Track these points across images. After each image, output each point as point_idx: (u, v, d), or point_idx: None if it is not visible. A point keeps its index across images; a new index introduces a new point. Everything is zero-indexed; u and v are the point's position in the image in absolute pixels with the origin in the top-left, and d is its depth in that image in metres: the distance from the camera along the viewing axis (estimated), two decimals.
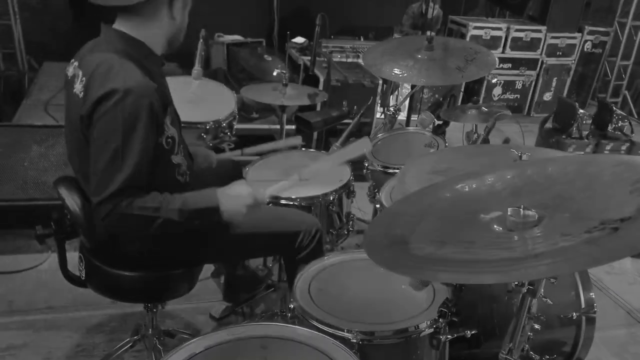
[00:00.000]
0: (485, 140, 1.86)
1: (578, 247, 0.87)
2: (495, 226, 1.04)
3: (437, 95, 5.40)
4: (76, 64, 1.64)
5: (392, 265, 0.96)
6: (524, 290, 1.20)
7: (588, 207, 0.99)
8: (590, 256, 0.84)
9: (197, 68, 2.80)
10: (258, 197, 1.74)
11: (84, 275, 1.84)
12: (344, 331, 1.44)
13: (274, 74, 2.72)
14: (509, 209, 1.02)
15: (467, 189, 1.19)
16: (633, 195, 0.95)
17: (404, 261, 0.95)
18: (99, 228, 1.63)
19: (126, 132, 1.48)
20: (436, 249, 0.97)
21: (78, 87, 1.57)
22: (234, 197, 1.70)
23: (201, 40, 2.81)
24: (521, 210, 1.01)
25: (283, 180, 1.84)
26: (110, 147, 1.48)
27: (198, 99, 2.75)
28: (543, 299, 1.51)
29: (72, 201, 1.71)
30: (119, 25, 1.61)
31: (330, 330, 1.44)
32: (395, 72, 2.30)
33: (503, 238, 1.00)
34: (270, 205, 2.13)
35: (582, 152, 4.92)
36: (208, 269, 2.64)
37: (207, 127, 2.55)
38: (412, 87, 3.09)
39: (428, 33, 2.39)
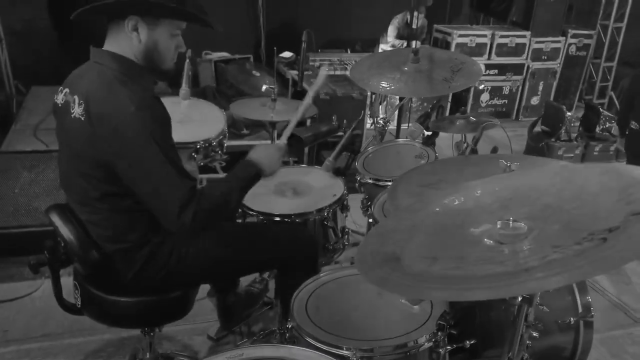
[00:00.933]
0: (474, 151, 1.88)
1: (568, 260, 0.87)
2: (485, 239, 1.05)
3: (426, 104, 5.43)
4: (67, 90, 1.65)
5: (386, 284, 0.96)
6: (519, 299, 1.20)
7: (577, 217, 1.00)
8: (581, 270, 0.84)
9: (184, 88, 2.81)
10: (280, 145, 1.90)
11: (79, 303, 1.82)
12: (342, 349, 1.43)
13: (263, 89, 2.73)
14: (499, 222, 1.03)
15: (456, 203, 1.19)
16: (620, 204, 0.96)
17: (397, 279, 0.95)
18: (188, 234, 1.64)
19: (159, 143, 1.51)
20: (428, 265, 0.98)
21: (77, 111, 1.56)
22: (264, 155, 1.81)
23: (187, 60, 2.82)
24: (510, 222, 1.02)
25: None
26: (156, 161, 1.51)
27: (187, 119, 2.75)
28: (539, 306, 1.52)
29: (65, 228, 1.70)
30: (108, 46, 1.62)
31: (329, 349, 1.43)
32: (383, 85, 2.32)
33: (494, 252, 1.01)
34: (265, 222, 2.14)
35: (572, 155, 4.96)
36: (204, 288, 2.63)
37: (198, 147, 2.55)
38: (401, 98, 3.11)
39: (413, 45, 2.42)
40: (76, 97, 1.58)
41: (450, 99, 5.92)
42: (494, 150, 1.93)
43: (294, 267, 1.91)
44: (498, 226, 1.05)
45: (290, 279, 1.86)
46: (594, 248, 0.89)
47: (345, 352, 1.42)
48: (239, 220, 2.20)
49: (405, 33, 5.48)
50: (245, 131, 4.03)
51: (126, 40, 1.60)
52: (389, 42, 5.78)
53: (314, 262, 1.99)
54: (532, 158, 1.68)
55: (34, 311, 2.67)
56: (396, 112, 2.76)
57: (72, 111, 1.58)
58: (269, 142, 2.94)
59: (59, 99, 1.67)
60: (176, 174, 1.54)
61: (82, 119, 1.55)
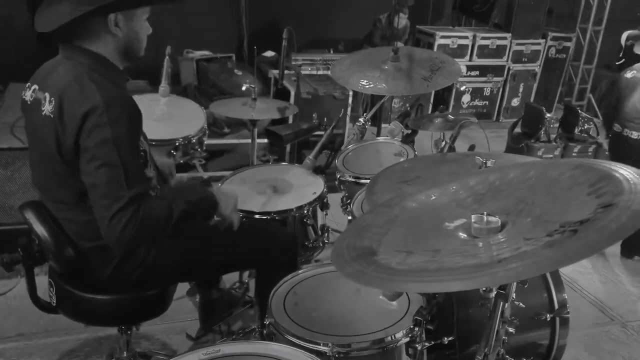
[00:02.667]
0: (451, 148, 1.90)
1: (539, 251, 0.89)
2: (460, 233, 1.06)
3: (407, 104, 5.47)
4: (36, 87, 1.62)
5: (361, 277, 0.97)
6: (493, 294, 1.21)
7: (549, 210, 1.01)
8: (552, 259, 0.86)
9: (163, 85, 2.79)
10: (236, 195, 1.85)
11: (54, 302, 1.80)
12: (320, 345, 1.43)
13: (243, 88, 2.72)
14: (473, 216, 1.04)
15: (432, 198, 1.20)
16: (590, 197, 0.97)
17: (372, 273, 0.96)
18: (114, 242, 1.54)
19: (119, 144, 1.48)
20: (403, 259, 0.98)
21: (48, 108, 1.53)
22: (225, 194, 1.78)
23: (167, 57, 2.80)
24: (484, 216, 1.03)
25: None
26: (109, 160, 1.47)
27: (166, 116, 2.73)
28: (515, 302, 1.53)
29: (39, 226, 1.67)
30: (77, 42, 1.59)
31: (306, 345, 1.43)
32: (362, 83, 2.32)
33: (468, 245, 1.02)
34: (245, 220, 2.13)
35: (551, 155, 5.03)
36: (183, 287, 2.61)
37: (177, 144, 2.53)
38: (381, 97, 3.13)
39: (395, 44, 2.43)
40: (47, 95, 1.55)
41: (432, 100, 5.97)
42: (471, 148, 1.95)
43: (274, 266, 1.90)
44: (472, 220, 1.06)
45: (269, 277, 1.85)
46: (565, 239, 0.90)
47: (322, 348, 1.42)
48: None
49: (388, 33, 5.52)
50: (226, 130, 4.01)
51: (102, 39, 1.57)
52: (375, 44, 5.81)
53: (294, 260, 1.98)
54: (507, 155, 1.69)
55: (8, 311, 2.63)
56: (373, 111, 2.76)
57: (43, 108, 1.55)
58: (249, 141, 2.92)
59: (27, 95, 1.64)
60: (122, 180, 1.48)
61: (52, 116, 1.52)
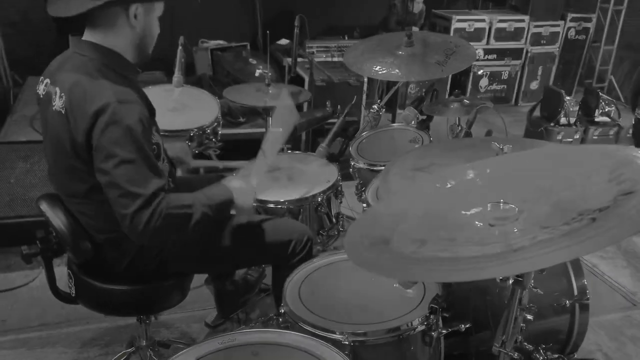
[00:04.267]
0: (468, 134, 1.87)
1: (557, 240, 0.86)
2: (476, 222, 1.04)
3: (423, 90, 5.41)
4: (47, 81, 1.62)
5: (373, 266, 0.96)
6: (510, 281, 1.20)
7: (567, 198, 0.99)
8: (569, 249, 0.83)
9: (177, 75, 2.78)
10: (253, 185, 1.82)
11: (73, 292, 1.82)
12: (335, 333, 1.43)
13: (256, 74, 2.71)
14: (489, 205, 1.02)
15: (447, 186, 1.18)
16: (611, 184, 0.95)
17: (385, 262, 0.95)
18: (137, 239, 1.55)
19: (134, 140, 1.47)
20: (417, 247, 0.97)
21: (58, 104, 1.54)
22: (240, 188, 1.75)
23: (180, 47, 2.79)
24: (501, 204, 1.01)
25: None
26: (124, 158, 1.46)
27: (181, 107, 2.73)
28: (533, 289, 1.51)
29: (56, 218, 1.69)
30: (88, 36, 1.59)
31: (322, 334, 1.43)
32: (376, 69, 2.29)
33: (484, 234, 1.00)
34: (262, 214, 2.13)
35: (571, 139, 4.94)
36: (201, 276, 2.63)
37: (191, 135, 2.54)
38: (395, 83, 3.09)
39: (409, 29, 2.39)
40: (57, 89, 1.55)
41: (449, 85, 5.89)
42: (488, 133, 1.91)
43: (289, 262, 1.89)
44: (488, 209, 1.04)
45: (285, 271, 1.84)
46: (583, 228, 0.88)
47: (337, 336, 1.42)
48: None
49: (404, 18, 5.44)
50: (241, 119, 4.01)
51: (119, 31, 1.57)
52: (390, 29, 5.73)
53: (309, 256, 1.97)
54: (525, 140, 1.66)
55: (31, 301, 2.68)
56: (387, 97, 2.73)
57: (54, 104, 1.56)
58: (264, 130, 2.92)
59: (40, 89, 1.65)
60: (140, 177, 1.48)
61: (63, 112, 1.53)
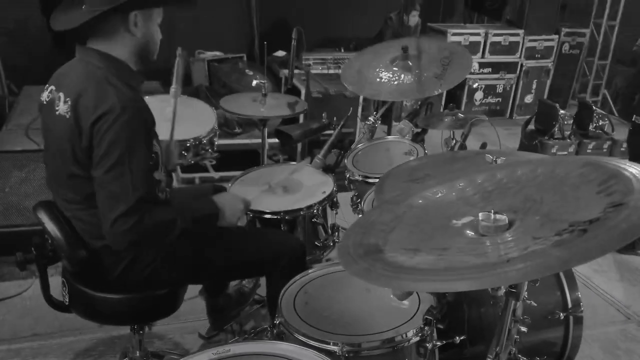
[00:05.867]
0: (463, 146, 1.88)
1: (548, 250, 0.87)
2: (467, 231, 1.05)
3: (418, 102, 5.44)
4: (52, 87, 1.64)
5: (367, 275, 0.96)
6: (502, 292, 1.20)
7: (557, 209, 1.00)
8: (561, 259, 0.84)
9: (174, 87, 2.79)
10: (246, 199, 1.88)
11: (67, 300, 1.82)
12: (330, 344, 1.44)
13: (253, 84, 2.72)
14: (480, 214, 1.03)
15: (438, 195, 1.19)
16: (600, 196, 0.96)
17: (379, 271, 0.95)
18: (115, 245, 1.57)
19: (131, 148, 1.50)
20: (410, 257, 0.98)
21: (62, 108, 1.56)
22: (229, 203, 1.80)
23: (178, 58, 2.80)
24: (492, 214, 1.02)
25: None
26: (119, 163, 1.49)
27: (177, 117, 2.74)
28: (527, 301, 1.52)
29: (52, 225, 1.70)
30: (93, 44, 1.62)
31: (317, 344, 1.44)
32: (374, 89, 2.31)
33: (475, 244, 1.01)
34: (257, 226, 2.13)
35: (566, 153, 4.98)
36: (195, 286, 2.63)
37: (188, 145, 2.54)
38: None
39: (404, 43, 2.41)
40: (62, 95, 1.57)
41: (444, 98, 5.93)
42: (483, 146, 1.93)
43: (282, 274, 1.89)
44: (480, 218, 1.05)
45: (279, 282, 1.84)
46: (574, 239, 0.89)
47: (332, 347, 1.42)
48: None
49: (400, 31, 5.49)
50: (237, 130, 4.02)
51: (120, 39, 1.60)
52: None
53: (302, 268, 1.97)
54: (518, 153, 1.67)
55: (24, 311, 2.66)
56: (383, 110, 2.76)
57: (57, 108, 1.57)
58: (259, 140, 2.93)
59: (44, 96, 1.67)
60: (129, 183, 1.50)
61: (67, 116, 1.54)
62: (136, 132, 1.52)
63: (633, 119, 3.61)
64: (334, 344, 1.43)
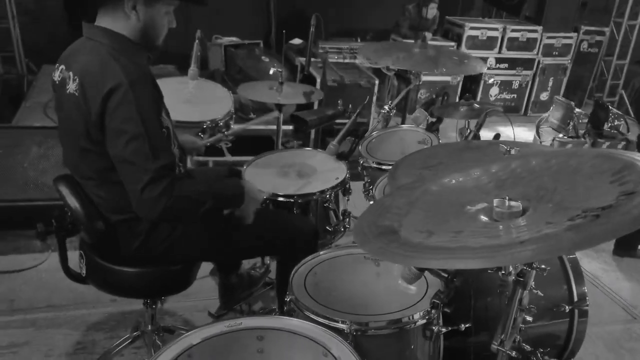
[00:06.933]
0: (476, 136, 1.90)
1: (561, 233, 0.90)
2: (481, 217, 1.07)
3: (433, 95, 5.45)
4: (62, 67, 1.67)
5: (381, 253, 0.99)
6: (511, 278, 1.22)
7: (570, 197, 1.02)
8: (572, 241, 0.87)
9: (193, 68, 2.83)
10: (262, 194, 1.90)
11: (84, 272, 1.87)
12: (338, 322, 1.47)
13: (270, 72, 2.75)
14: (495, 200, 1.05)
15: (453, 182, 1.21)
16: (613, 185, 0.98)
17: (393, 249, 0.98)
18: (149, 215, 1.58)
19: (144, 118, 1.53)
20: (424, 238, 1.00)
21: (72, 87, 1.59)
22: (251, 190, 1.83)
23: (197, 41, 2.84)
24: (506, 201, 1.04)
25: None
26: (135, 135, 1.51)
27: (195, 99, 2.78)
28: (534, 290, 1.54)
29: (72, 198, 1.74)
30: (100, 21, 1.65)
31: (325, 322, 1.46)
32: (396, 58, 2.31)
33: (489, 228, 1.03)
34: (271, 207, 2.17)
35: (584, 148, 4.96)
36: (207, 266, 2.67)
37: (204, 127, 2.58)
38: (407, 85, 3.12)
39: (423, 34, 2.42)
40: (71, 73, 1.61)
41: (459, 92, 5.91)
42: (496, 136, 1.94)
43: (295, 255, 1.92)
44: (494, 204, 1.07)
45: (290, 263, 1.87)
46: (587, 223, 0.91)
47: (340, 325, 1.45)
48: None
49: (417, 23, 5.47)
50: (252, 115, 4.05)
51: (122, 18, 1.62)
52: (401, 33, 5.78)
53: (314, 250, 2.00)
54: (531, 144, 1.69)
55: (39, 283, 2.73)
56: (398, 99, 2.77)
57: (68, 87, 1.61)
58: (274, 127, 2.96)
59: (56, 76, 1.70)
60: (149, 152, 1.52)
61: (77, 94, 1.58)
62: (147, 104, 1.55)
63: None
64: (343, 322, 1.46)
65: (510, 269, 1.21)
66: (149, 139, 1.53)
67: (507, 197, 1.07)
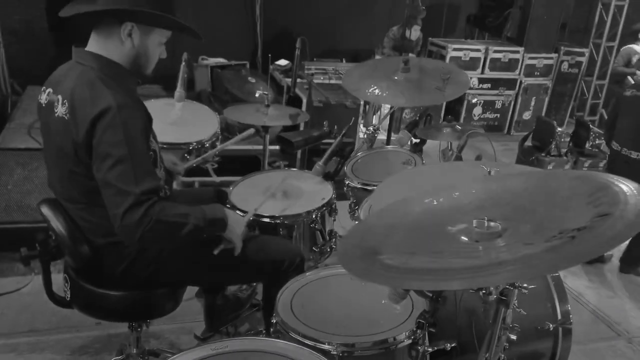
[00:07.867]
0: (458, 157, 1.93)
1: (539, 254, 0.92)
2: (462, 237, 1.09)
3: (417, 115, 5.52)
4: (50, 90, 1.68)
5: (364, 274, 1.01)
6: (493, 297, 1.24)
7: (548, 218, 1.05)
8: (550, 262, 0.89)
9: (179, 90, 2.85)
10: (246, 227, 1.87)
11: (69, 296, 1.85)
12: (324, 344, 1.47)
13: (257, 95, 2.78)
14: (474, 221, 1.08)
15: (435, 203, 1.24)
16: (589, 207, 1.01)
17: (376, 270, 1.00)
18: (128, 239, 1.58)
19: (131, 143, 1.53)
20: (406, 259, 1.02)
21: (61, 110, 1.60)
22: (234, 218, 1.80)
23: (183, 63, 2.87)
24: (485, 221, 1.06)
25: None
26: (120, 161, 1.52)
27: (181, 121, 2.79)
28: (517, 309, 1.56)
29: (56, 222, 1.73)
30: (91, 47, 1.66)
31: (312, 343, 1.47)
32: (375, 92, 2.36)
33: (469, 248, 1.05)
34: (257, 232, 2.17)
35: (562, 170, 5.04)
36: (192, 289, 2.66)
37: (190, 148, 2.59)
38: (391, 107, 3.18)
39: (406, 55, 2.48)
40: (59, 97, 1.62)
41: (443, 112, 6.00)
42: (478, 157, 1.98)
43: (280, 279, 1.89)
44: (474, 224, 1.10)
45: (276, 288, 1.85)
46: (563, 245, 0.94)
47: (326, 347, 1.46)
48: None
49: (400, 44, 5.57)
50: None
51: (114, 44, 1.64)
52: (384, 53, 5.87)
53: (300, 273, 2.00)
54: (513, 165, 1.72)
55: (22, 306, 2.69)
56: (386, 120, 2.81)
57: (56, 110, 1.61)
58: (260, 147, 2.98)
59: (42, 98, 1.71)
60: (132, 176, 1.52)
61: (66, 117, 1.58)
62: (134, 130, 1.55)
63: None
64: (329, 344, 1.47)
65: (491, 288, 1.23)
66: (134, 163, 1.53)
67: (486, 218, 1.10)
